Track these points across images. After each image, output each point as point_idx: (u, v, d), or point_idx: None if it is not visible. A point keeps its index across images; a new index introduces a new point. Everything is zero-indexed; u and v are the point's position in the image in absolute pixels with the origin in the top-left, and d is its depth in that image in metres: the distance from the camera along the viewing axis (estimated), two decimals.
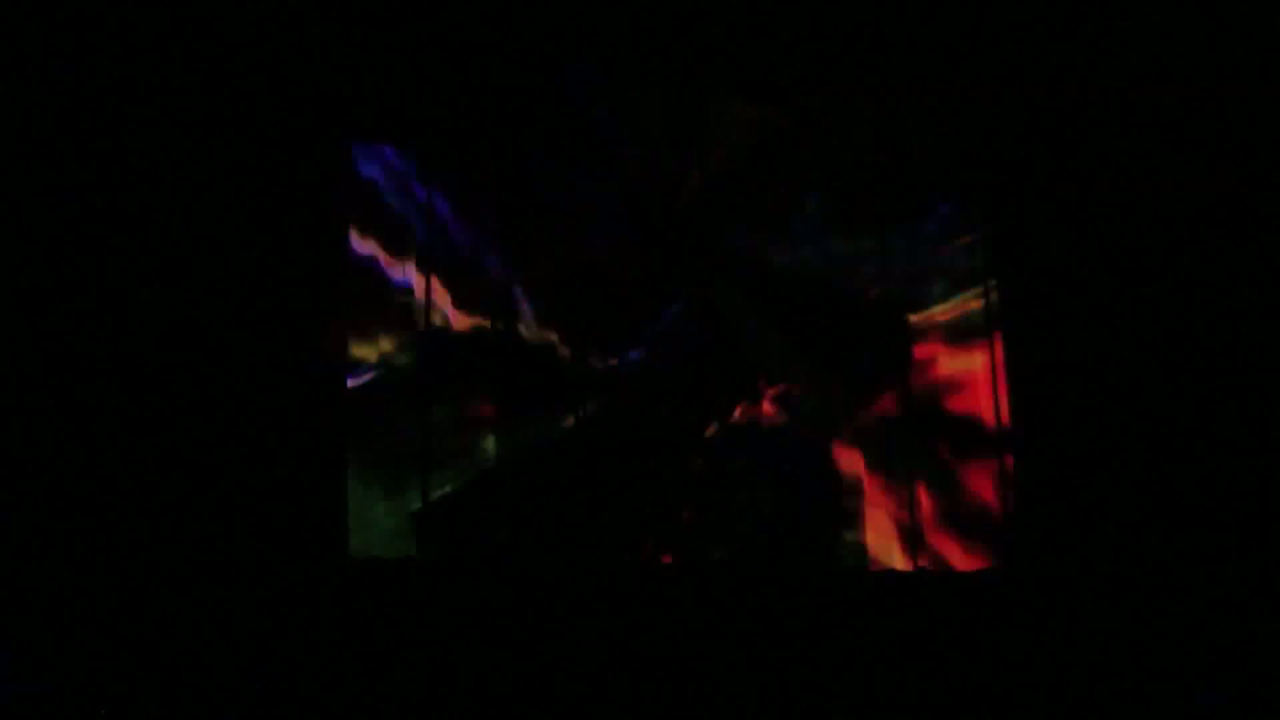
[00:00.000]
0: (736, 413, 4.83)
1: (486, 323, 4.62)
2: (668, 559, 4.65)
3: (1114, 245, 5.07)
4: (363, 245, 4.53)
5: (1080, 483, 4.86)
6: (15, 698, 3.70)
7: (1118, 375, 4.95)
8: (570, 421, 4.63)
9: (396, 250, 4.58)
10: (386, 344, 4.50)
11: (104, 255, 4.09)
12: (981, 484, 4.98)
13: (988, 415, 5.04)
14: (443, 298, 4.59)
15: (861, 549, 4.85)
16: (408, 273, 4.57)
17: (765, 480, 4.79)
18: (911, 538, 4.89)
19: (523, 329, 4.66)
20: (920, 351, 5.06)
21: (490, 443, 4.54)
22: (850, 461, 4.92)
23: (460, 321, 4.60)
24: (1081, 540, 4.81)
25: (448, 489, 4.46)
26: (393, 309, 4.55)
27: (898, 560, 4.86)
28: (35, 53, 4.08)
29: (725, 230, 4.89)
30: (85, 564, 3.92)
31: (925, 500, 4.94)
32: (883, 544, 4.87)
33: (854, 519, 4.87)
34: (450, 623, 4.26)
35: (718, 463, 4.77)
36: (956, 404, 5.04)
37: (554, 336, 4.69)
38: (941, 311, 5.11)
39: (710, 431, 4.78)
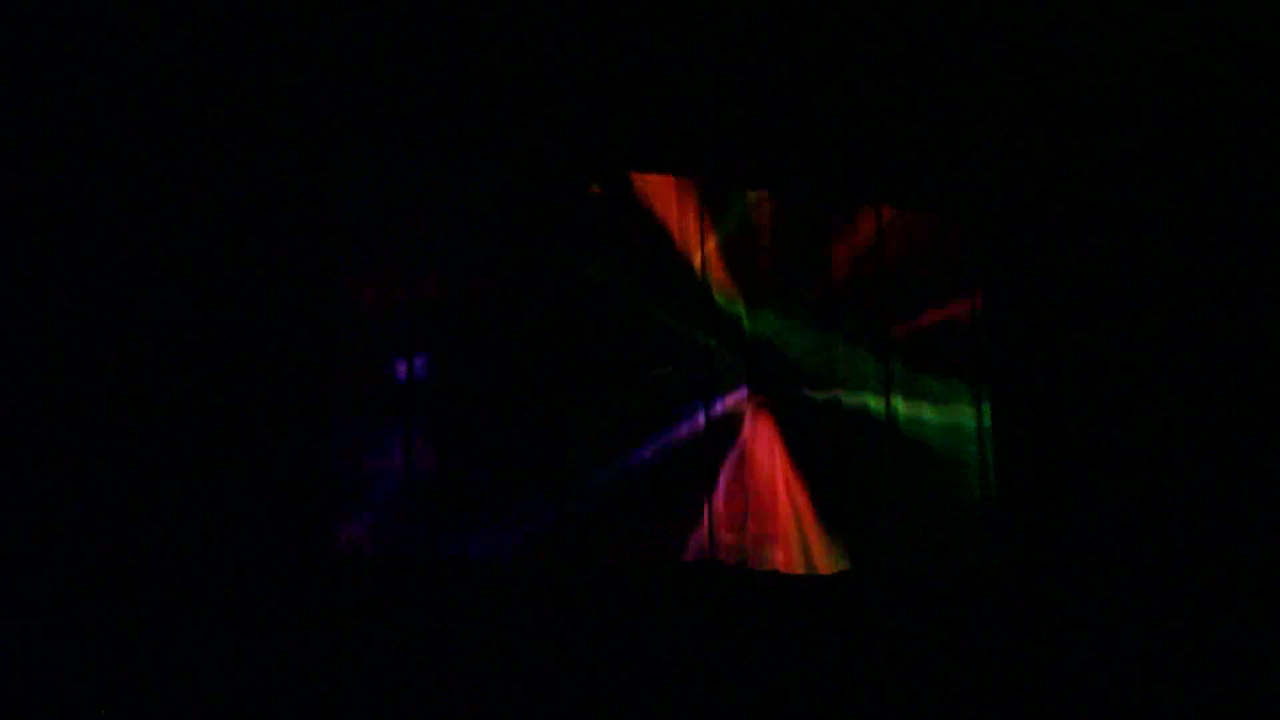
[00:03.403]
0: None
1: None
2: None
3: (1096, 250, 5.13)
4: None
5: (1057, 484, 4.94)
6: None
7: (1098, 379, 5.00)
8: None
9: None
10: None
11: (88, 251, 4.05)
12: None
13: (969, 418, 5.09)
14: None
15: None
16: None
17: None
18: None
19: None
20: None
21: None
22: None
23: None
24: (1057, 540, 4.88)
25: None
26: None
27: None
28: (22, 56, 4.06)
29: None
30: (66, 559, 3.83)
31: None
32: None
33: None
34: (435, 618, 4.24)
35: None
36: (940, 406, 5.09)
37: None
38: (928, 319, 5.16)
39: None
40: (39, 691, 3.64)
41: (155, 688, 3.77)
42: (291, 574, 4.07)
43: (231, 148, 4.21)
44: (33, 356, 3.88)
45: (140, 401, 3.96)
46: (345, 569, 4.19)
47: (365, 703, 4.03)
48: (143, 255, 4.08)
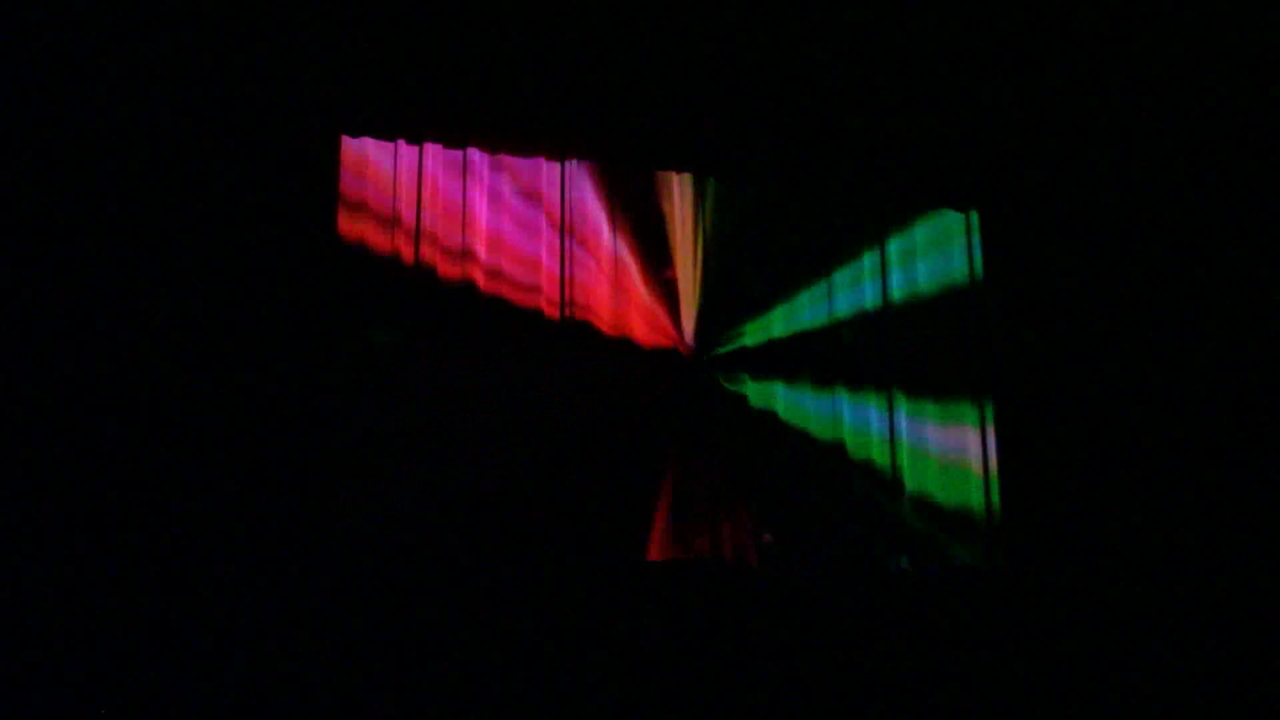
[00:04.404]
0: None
1: None
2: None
3: (1104, 248, 5.11)
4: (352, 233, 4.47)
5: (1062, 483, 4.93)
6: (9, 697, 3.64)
7: (1105, 379, 4.99)
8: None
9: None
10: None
11: (92, 247, 4.05)
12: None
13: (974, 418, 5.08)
14: None
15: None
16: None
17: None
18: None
19: None
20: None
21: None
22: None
23: None
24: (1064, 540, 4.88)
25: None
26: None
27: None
28: (27, 48, 4.05)
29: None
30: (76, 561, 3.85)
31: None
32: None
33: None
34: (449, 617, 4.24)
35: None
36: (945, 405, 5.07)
37: None
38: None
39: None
40: (42, 691, 3.67)
41: (155, 687, 3.78)
42: (290, 575, 4.07)
43: (232, 149, 4.23)
44: (32, 356, 3.90)
45: (141, 391, 4.00)
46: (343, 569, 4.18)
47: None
48: (145, 257, 4.10)
